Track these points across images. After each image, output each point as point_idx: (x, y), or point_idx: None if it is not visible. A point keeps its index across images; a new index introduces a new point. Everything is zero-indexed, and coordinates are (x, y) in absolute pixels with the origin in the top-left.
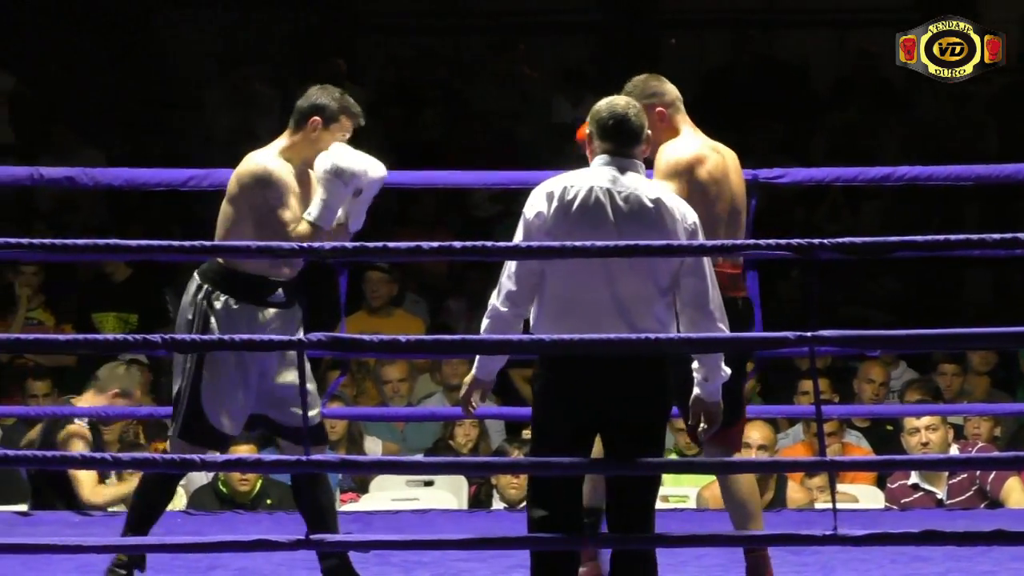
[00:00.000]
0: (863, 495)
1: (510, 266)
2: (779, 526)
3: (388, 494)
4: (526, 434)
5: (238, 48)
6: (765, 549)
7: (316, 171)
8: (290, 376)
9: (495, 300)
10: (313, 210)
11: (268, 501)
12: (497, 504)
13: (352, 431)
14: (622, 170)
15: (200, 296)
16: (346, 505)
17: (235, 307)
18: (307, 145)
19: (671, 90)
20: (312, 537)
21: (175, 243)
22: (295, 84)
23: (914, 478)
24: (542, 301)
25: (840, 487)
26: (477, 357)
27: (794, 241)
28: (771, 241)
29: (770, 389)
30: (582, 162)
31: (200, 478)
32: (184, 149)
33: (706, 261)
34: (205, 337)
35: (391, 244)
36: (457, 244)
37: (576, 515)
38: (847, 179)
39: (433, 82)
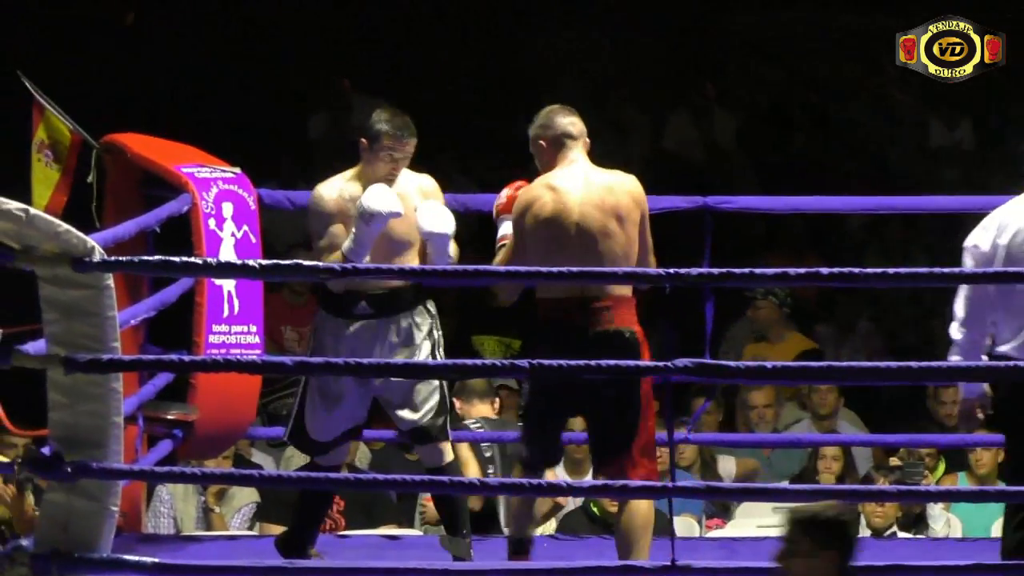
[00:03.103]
0: None
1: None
2: None
3: (754, 520)
4: (894, 461)
5: (607, 72)
6: None
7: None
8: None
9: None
10: (347, 243)
11: None
12: (864, 532)
13: (704, 455)
14: None
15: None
16: (712, 531)
17: (326, 320)
18: (367, 167)
19: (562, 124)
20: (678, 563)
21: (554, 269)
22: (665, 109)
23: None
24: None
25: None
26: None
27: None
28: None
29: None
30: (962, 188)
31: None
32: None
33: None
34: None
35: (757, 270)
36: (824, 270)
37: None
38: None
39: (803, 105)
